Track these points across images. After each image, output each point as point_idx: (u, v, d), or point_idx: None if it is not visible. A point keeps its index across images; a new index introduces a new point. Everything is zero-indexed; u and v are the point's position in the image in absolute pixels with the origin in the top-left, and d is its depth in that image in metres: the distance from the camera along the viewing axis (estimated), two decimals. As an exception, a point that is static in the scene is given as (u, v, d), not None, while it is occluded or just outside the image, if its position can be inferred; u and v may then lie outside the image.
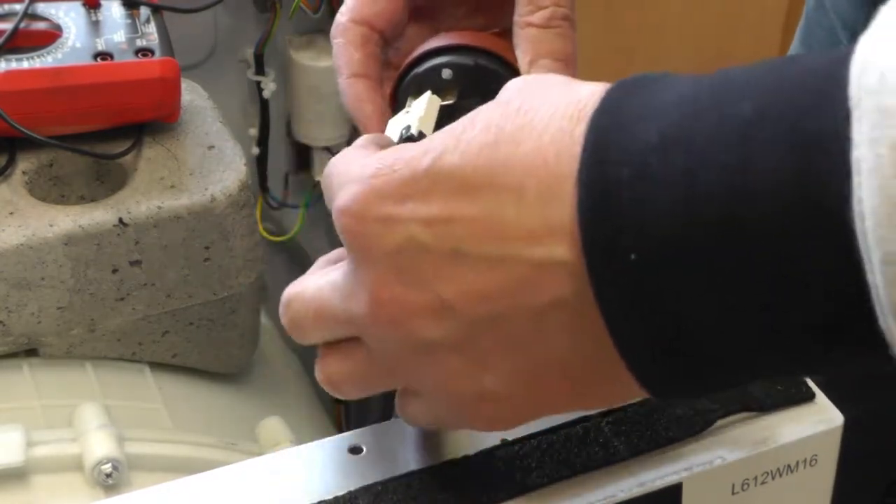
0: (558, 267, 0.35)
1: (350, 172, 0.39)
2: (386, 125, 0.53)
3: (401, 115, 0.49)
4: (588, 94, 0.36)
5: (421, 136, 0.46)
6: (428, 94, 0.51)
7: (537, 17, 0.52)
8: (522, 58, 0.52)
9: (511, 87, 0.38)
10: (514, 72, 0.53)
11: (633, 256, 0.33)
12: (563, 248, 0.35)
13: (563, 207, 0.34)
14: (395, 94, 0.54)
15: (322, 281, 0.42)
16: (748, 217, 0.31)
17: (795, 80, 0.32)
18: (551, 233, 0.35)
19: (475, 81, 0.53)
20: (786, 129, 0.31)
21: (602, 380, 0.37)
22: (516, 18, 0.53)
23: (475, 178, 0.36)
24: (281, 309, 0.45)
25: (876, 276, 0.30)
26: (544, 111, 0.36)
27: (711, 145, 0.32)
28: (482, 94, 0.53)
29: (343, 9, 0.54)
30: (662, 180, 0.33)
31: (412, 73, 0.53)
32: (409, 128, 0.47)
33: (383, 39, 0.54)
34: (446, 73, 0.52)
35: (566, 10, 0.53)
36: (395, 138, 0.48)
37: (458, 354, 0.38)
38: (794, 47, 0.84)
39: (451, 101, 0.52)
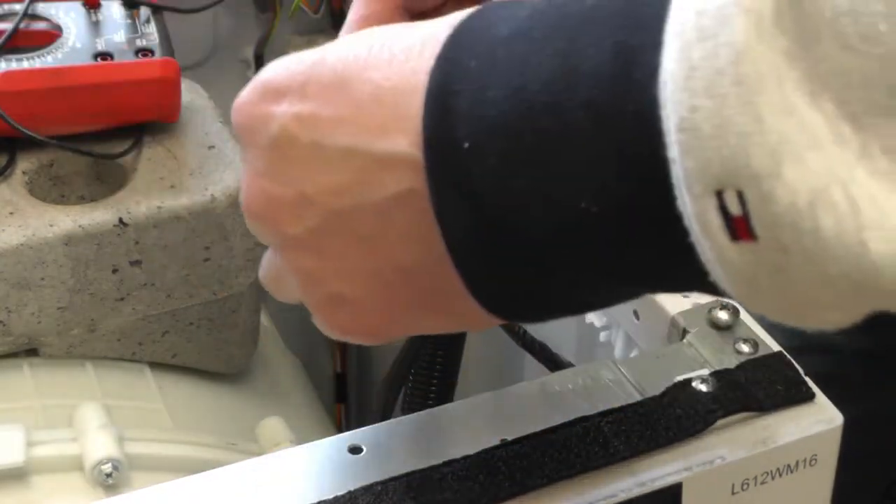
0: (400, 160, 0.36)
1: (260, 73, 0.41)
2: None
3: None
4: (453, 16, 0.37)
5: None
6: None
7: None
8: None
9: None
10: None
11: (466, 145, 0.33)
12: (406, 142, 0.35)
13: (414, 102, 0.35)
14: None
15: (266, 261, 0.45)
16: (569, 98, 0.32)
17: None
18: (398, 126, 0.36)
19: None
20: (617, 13, 0.31)
21: (442, 289, 0.37)
22: None
23: (344, 74, 0.37)
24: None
25: (672, 147, 0.29)
26: (416, 26, 0.38)
27: (552, 32, 0.33)
28: None
29: None
30: (503, 69, 0.33)
31: None
32: None
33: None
34: None
35: None
36: None
37: (313, 253, 0.39)
38: None
39: None
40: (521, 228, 0.34)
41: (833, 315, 0.30)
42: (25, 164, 0.70)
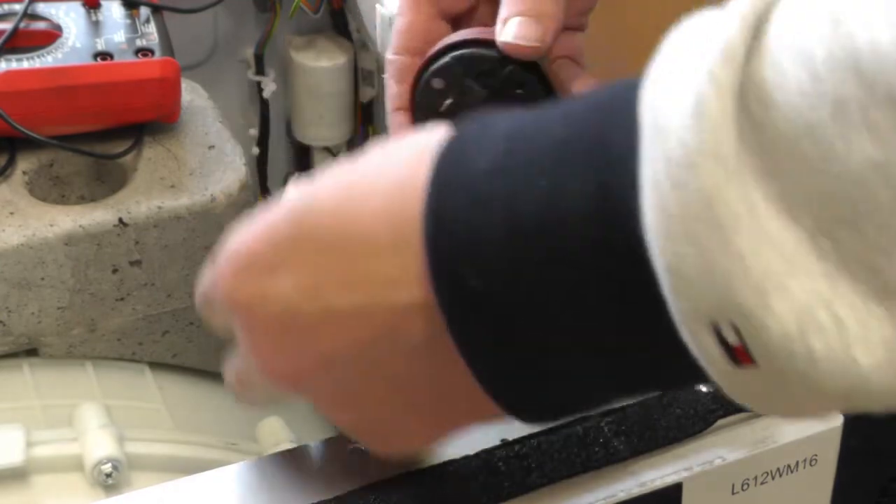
0: (419, 309, 0.37)
1: (227, 252, 0.41)
2: None
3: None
4: (429, 137, 0.38)
5: None
6: None
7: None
8: (498, 21, 0.53)
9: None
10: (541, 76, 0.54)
11: (474, 284, 0.35)
12: (419, 290, 0.36)
13: (414, 249, 0.36)
14: (413, 93, 0.55)
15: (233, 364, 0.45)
16: (559, 238, 0.33)
17: (604, 101, 0.34)
18: (407, 277, 0.37)
19: (492, 69, 0.53)
20: (590, 149, 0.33)
21: (474, 407, 0.38)
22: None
23: (332, 235, 0.38)
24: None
25: (664, 287, 0.31)
26: (391, 158, 0.38)
27: (529, 168, 0.34)
28: (501, 78, 0.54)
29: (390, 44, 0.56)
30: (490, 205, 0.34)
31: (434, 67, 0.54)
32: None
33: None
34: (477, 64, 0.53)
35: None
36: None
37: (345, 402, 0.41)
38: None
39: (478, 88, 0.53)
40: (542, 359, 0.35)
41: (829, 412, 0.32)
42: (25, 164, 0.70)
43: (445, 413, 0.40)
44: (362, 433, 0.42)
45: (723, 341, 0.30)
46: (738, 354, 0.30)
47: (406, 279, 0.36)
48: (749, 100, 0.29)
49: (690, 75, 0.30)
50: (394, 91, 0.56)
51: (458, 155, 0.36)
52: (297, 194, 0.39)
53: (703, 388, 0.48)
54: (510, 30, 0.53)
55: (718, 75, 0.29)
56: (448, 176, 0.36)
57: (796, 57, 0.29)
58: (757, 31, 0.30)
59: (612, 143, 0.33)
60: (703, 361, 0.31)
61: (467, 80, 0.54)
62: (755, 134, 0.29)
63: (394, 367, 0.38)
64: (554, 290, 0.34)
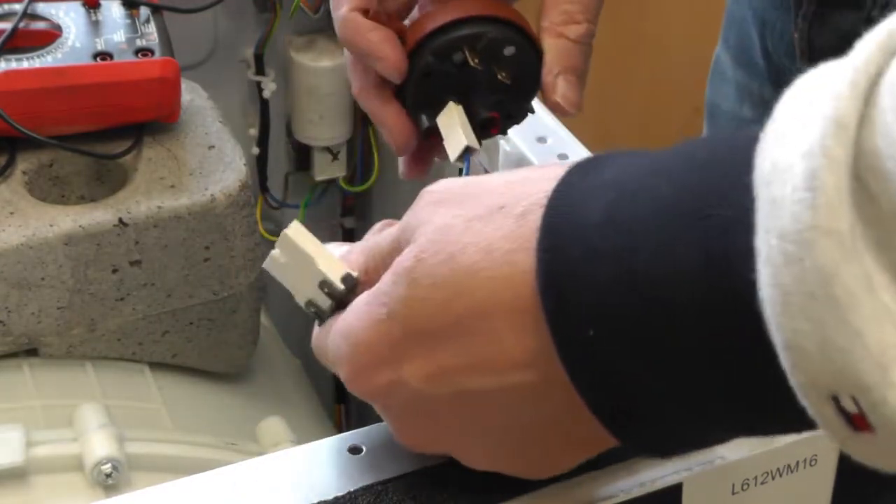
0: (549, 383, 0.37)
1: (342, 347, 0.42)
2: (397, 50, 0.53)
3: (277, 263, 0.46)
4: (529, 191, 0.38)
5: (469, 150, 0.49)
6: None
7: (572, 32, 0.54)
8: (549, 69, 0.54)
9: (449, 198, 0.40)
10: (532, 40, 0.54)
11: (590, 332, 0.35)
12: (545, 366, 0.37)
13: (535, 330, 0.36)
14: (410, 66, 0.54)
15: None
16: (671, 298, 0.33)
17: (711, 161, 0.34)
18: (533, 356, 0.37)
19: (493, 51, 0.53)
20: (696, 216, 0.33)
21: (587, 445, 0.40)
22: (546, 24, 0.55)
23: (447, 324, 0.38)
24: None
25: (783, 360, 0.31)
26: (489, 222, 0.38)
27: (638, 226, 0.34)
28: (501, 60, 0.54)
29: None
30: (604, 258, 0.35)
31: (433, 45, 0.53)
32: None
33: None
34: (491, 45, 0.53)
35: (594, 28, 0.55)
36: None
37: (493, 458, 0.42)
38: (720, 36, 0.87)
39: (477, 68, 0.53)
40: (653, 405, 0.36)
41: None
42: (25, 164, 0.70)
43: (586, 448, 0.41)
44: (514, 472, 0.43)
45: (842, 410, 0.30)
46: (857, 422, 0.30)
47: (531, 358, 0.37)
48: (862, 170, 0.29)
49: (803, 147, 0.29)
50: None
51: (567, 204, 0.36)
52: (396, 278, 0.39)
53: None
54: (564, 91, 0.54)
55: (832, 149, 0.29)
56: (559, 224, 0.36)
57: None
58: (868, 96, 0.29)
59: (718, 207, 0.33)
60: (822, 426, 0.31)
61: (475, 59, 0.54)
62: (870, 206, 0.29)
63: (532, 432, 0.40)
64: (665, 352, 0.34)
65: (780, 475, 0.48)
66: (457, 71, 0.54)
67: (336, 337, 0.42)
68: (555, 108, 0.55)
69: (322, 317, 0.44)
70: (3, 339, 0.67)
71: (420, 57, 0.54)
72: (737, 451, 0.47)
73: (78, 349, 0.69)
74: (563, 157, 0.68)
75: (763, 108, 0.32)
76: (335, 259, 0.44)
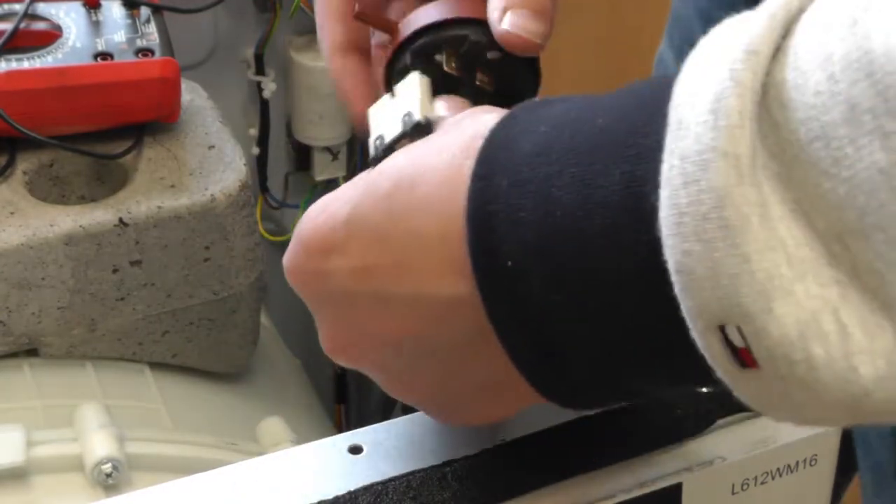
0: (464, 300, 0.37)
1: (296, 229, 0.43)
2: (370, 99, 0.53)
3: (386, 100, 0.48)
4: (476, 128, 0.38)
5: (428, 123, 0.45)
6: (416, 75, 0.49)
7: None
8: (493, 6, 0.51)
9: (422, 133, 0.42)
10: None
11: (509, 263, 0.35)
12: (464, 284, 0.37)
13: (459, 242, 0.37)
14: (389, 72, 0.54)
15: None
16: (588, 226, 0.33)
17: (643, 94, 0.34)
18: (453, 269, 0.37)
19: (475, 55, 0.52)
20: (623, 140, 0.33)
21: (521, 393, 0.39)
22: None
23: (384, 225, 0.39)
24: None
25: (675, 285, 0.31)
26: (440, 151, 0.39)
27: (567, 155, 0.35)
28: (483, 65, 0.53)
29: None
30: (529, 187, 0.35)
31: (413, 48, 0.53)
32: (410, 114, 0.46)
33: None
34: (449, 50, 0.52)
35: None
36: (395, 127, 0.47)
37: (398, 377, 0.42)
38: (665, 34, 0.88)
39: (454, 74, 0.52)
40: (572, 345, 0.36)
41: (835, 423, 0.31)
42: (25, 164, 0.70)
43: (501, 395, 0.41)
44: (428, 411, 0.44)
45: (729, 343, 0.30)
46: (744, 356, 0.30)
47: (451, 271, 0.37)
48: (770, 100, 0.29)
49: (713, 72, 0.30)
50: (335, 30, 0.55)
51: (504, 141, 0.37)
52: (360, 181, 0.41)
53: (704, 388, 0.48)
54: (514, 20, 0.50)
55: (739, 73, 0.29)
56: (492, 158, 0.37)
57: (815, 57, 0.28)
58: (787, 30, 0.30)
59: (644, 136, 0.33)
60: (710, 361, 0.31)
61: (452, 63, 0.53)
62: (773, 136, 0.29)
63: (444, 354, 0.39)
64: (579, 280, 0.34)
65: (780, 475, 0.48)
66: (438, 74, 0.54)
67: (300, 223, 0.43)
68: (508, 42, 0.49)
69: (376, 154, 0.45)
70: (4, 339, 0.67)
71: (399, 60, 0.54)
72: (737, 451, 0.47)
73: (78, 349, 0.69)
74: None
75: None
76: (432, 106, 0.46)
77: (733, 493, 0.47)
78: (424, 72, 0.51)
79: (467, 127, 0.39)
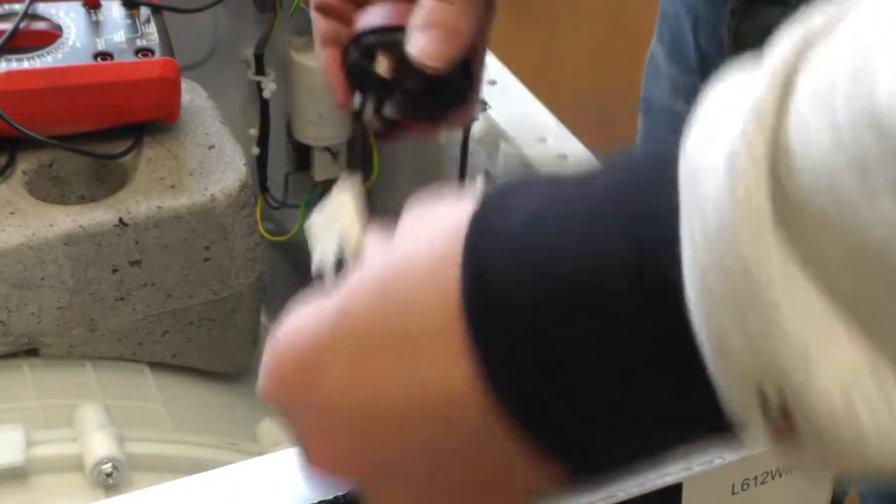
0: (468, 400, 0.35)
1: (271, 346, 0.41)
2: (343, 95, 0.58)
3: (325, 207, 0.47)
4: (458, 212, 0.37)
5: (342, 264, 0.46)
6: (348, 194, 0.48)
7: None
8: (413, 23, 0.56)
9: (404, 218, 0.40)
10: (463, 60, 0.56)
11: (516, 336, 0.34)
12: (464, 383, 0.35)
13: (456, 342, 0.35)
14: (345, 64, 0.57)
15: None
16: (593, 298, 0.33)
17: (640, 162, 0.34)
18: (453, 368, 0.35)
19: (406, 60, 0.55)
20: (626, 210, 0.33)
21: (530, 484, 0.37)
22: None
23: (372, 334, 0.37)
24: None
25: (705, 349, 0.30)
26: (423, 240, 0.37)
27: (565, 224, 0.34)
28: (413, 71, 0.55)
29: None
30: (527, 264, 0.34)
31: (358, 46, 0.57)
32: (343, 242, 0.46)
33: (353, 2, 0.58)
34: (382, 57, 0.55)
35: None
36: (331, 248, 0.46)
37: (404, 491, 0.39)
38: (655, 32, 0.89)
39: (386, 77, 0.56)
40: (586, 416, 0.35)
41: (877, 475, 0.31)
42: (25, 164, 0.70)
43: (510, 491, 0.38)
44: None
45: (766, 407, 0.30)
46: (783, 419, 0.30)
47: (446, 374, 0.36)
48: (778, 165, 0.29)
49: (724, 141, 0.29)
50: (320, 24, 0.60)
51: (491, 221, 0.36)
52: (340, 293, 0.39)
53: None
54: (418, 44, 0.56)
55: (751, 140, 0.29)
56: (482, 244, 0.35)
57: (819, 112, 0.28)
58: (787, 87, 0.29)
59: (647, 200, 0.32)
60: (748, 426, 0.31)
61: (385, 65, 0.56)
62: (785, 200, 0.29)
63: (450, 466, 0.37)
64: (590, 348, 0.33)
65: (780, 475, 0.48)
66: (375, 76, 0.57)
67: (273, 343, 0.42)
68: (415, 61, 0.56)
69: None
70: (3, 339, 0.67)
71: (349, 54, 0.57)
72: (737, 451, 0.47)
73: (78, 349, 0.69)
74: (562, 157, 0.68)
75: (696, 101, 0.32)
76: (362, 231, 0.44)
77: (733, 493, 0.47)
78: (361, 67, 0.55)
79: (444, 216, 0.38)
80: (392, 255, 0.39)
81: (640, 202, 0.33)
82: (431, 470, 0.38)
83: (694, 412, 0.34)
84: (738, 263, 0.29)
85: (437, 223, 0.38)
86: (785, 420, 0.30)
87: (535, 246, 0.34)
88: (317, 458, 0.40)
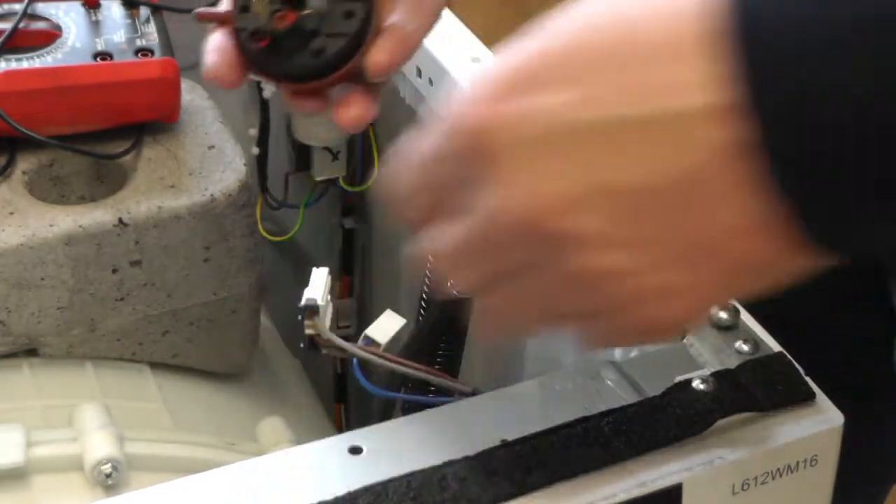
0: (717, 113, 0.32)
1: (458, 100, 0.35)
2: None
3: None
4: None
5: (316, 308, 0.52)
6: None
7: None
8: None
9: None
10: None
11: (792, 82, 0.30)
12: (719, 91, 0.31)
13: (698, 48, 0.31)
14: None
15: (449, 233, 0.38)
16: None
17: None
18: (701, 79, 0.32)
19: None
20: None
21: (766, 245, 0.33)
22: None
23: (606, 45, 0.33)
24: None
25: None
26: None
27: None
28: None
29: None
30: None
31: None
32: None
33: None
34: None
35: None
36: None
37: (621, 249, 0.34)
38: None
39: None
40: (865, 181, 0.31)
41: None
42: (25, 164, 0.70)
43: (729, 257, 0.34)
44: (626, 306, 0.35)
45: None
46: None
47: (700, 81, 0.31)
48: None
49: None
50: None
51: None
52: (564, 18, 0.35)
53: (703, 388, 0.48)
54: (379, 57, 0.54)
55: None
56: None
57: None
58: None
59: None
60: None
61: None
62: None
63: (678, 194, 0.33)
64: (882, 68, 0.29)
65: (780, 475, 0.48)
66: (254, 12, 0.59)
67: (474, 82, 0.36)
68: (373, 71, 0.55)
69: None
70: (3, 339, 0.67)
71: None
72: (737, 451, 0.47)
73: (78, 349, 0.69)
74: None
75: None
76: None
77: (733, 493, 0.47)
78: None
79: None
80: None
81: None
82: (654, 208, 0.33)
83: None
84: None
85: None
86: None
87: None
88: (520, 193, 0.35)
